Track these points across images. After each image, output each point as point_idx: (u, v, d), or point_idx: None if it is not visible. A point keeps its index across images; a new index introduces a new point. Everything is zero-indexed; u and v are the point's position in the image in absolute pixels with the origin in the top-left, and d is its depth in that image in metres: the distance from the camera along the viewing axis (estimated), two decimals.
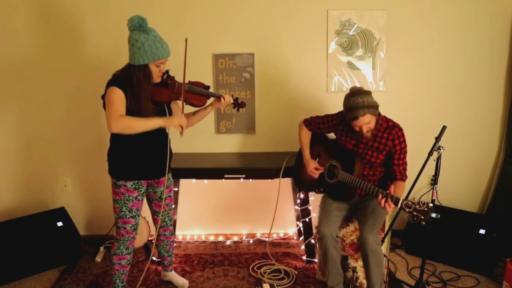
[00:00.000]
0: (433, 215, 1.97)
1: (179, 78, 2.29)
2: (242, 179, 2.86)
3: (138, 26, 2.06)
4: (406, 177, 2.39)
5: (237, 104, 2.52)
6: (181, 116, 2.23)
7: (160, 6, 3.04)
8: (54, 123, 3.20)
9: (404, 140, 2.37)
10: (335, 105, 2.97)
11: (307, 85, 3.20)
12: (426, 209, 1.98)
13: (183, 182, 3.09)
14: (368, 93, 2.27)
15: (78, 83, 3.13)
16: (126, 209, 2.26)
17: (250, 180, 3.00)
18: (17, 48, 3.06)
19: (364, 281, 2.51)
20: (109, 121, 2.05)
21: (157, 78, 2.20)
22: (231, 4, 3.07)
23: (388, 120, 2.40)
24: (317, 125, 2.61)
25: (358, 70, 3.19)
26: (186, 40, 2.18)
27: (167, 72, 2.25)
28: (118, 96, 2.08)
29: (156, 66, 2.15)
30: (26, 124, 3.19)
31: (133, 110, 2.11)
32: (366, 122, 2.25)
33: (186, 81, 2.29)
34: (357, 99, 2.22)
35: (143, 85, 2.12)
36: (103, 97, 2.16)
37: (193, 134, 3.05)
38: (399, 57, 3.17)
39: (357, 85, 3.18)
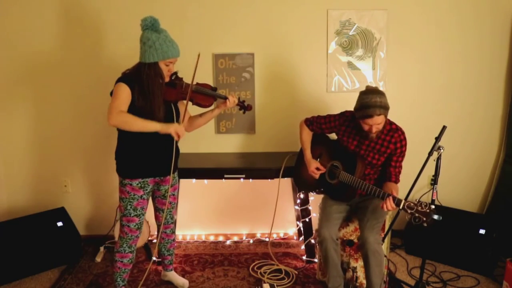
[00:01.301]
0: (435, 217, 1.96)
1: (187, 80, 2.33)
2: (242, 179, 2.86)
3: (150, 25, 2.12)
4: (399, 180, 2.40)
5: (243, 107, 2.55)
6: (179, 124, 2.25)
7: (160, 6, 3.04)
8: (54, 124, 3.20)
9: (406, 145, 2.37)
10: (335, 105, 2.98)
11: (307, 85, 3.20)
12: (428, 210, 1.97)
13: (183, 182, 3.08)
14: (384, 94, 2.26)
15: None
16: (131, 207, 2.27)
17: (250, 180, 3.00)
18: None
19: (364, 281, 2.51)
20: (109, 113, 2.08)
21: (166, 78, 2.24)
22: (231, 4, 3.07)
23: (391, 123, 2.40)
24: (318, 125, 2.61)
25: (358, 70, 3.19)
26: (199, 55, 2.22)
27: (175, 73, 2.30)
28: (124, 92, 2.11)
29: (166, 65, 2.19)
30: (26, 125, 3.19)
31: (140, 107, 2.14)
32: (378, 122, 2.25)
33: (194, 83, 2.32)
34: (375, 98, 2.20)
35: (155, 82, 2.16)
36: (111, 93, 2.19)
37: (193, 134, 3.04)
38: (399, 57, 3.17)
39: (357, 85, 3.18)
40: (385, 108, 2.23)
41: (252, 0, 3.07)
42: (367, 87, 2.34)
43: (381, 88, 3.19)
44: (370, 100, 2.21)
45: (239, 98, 2.51)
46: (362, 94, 2.29)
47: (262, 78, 3.18)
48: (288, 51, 3.15)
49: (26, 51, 3.07)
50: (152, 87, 2.15)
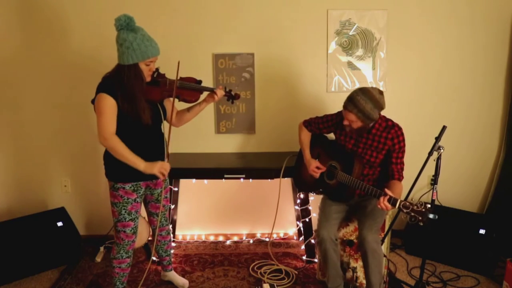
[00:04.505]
0: (431, 216, 1.97)
1: (168, 76, 2.27)
2: (242, 179, 2.86)
3: (125, 25, 2.03)
4: (403, 177, 2.40)
5: (231, 96, 2.47)
6: (163, 163, 2.18)
7: (159, 6, 3.04)
8: (53, 123, 3.20)
9: (403, 140, 2.37)
10: (335, 105, 2.98)
11: (307, 85, 3.20)
12: (423, 210, 1.98)
13: (183, 182, 3.09)
14: (376, 104, 2.24)
15: (74, 81, 3.13)
16: (125, 212, 2.24)
17: (250, 180, 3.00)
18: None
19: (364, 281, 2.51)
20: (101, 134, 2.06)
21: (147, 77, 2.16)
22: (231, 4, 3.07)
23: (387, 120, 2.40)
24: (316, 125, 2.62)
25: (358, 70, 3.19)
26: (179, 63, 2.16)
27: (157, 70, 2.21)
28: (109, 105, 2.05)
29: (146, 65, 2.11)
30: (25, 124, 3.19)
31: (126, 112, 2.09)
32: (349, 118, 2.29)
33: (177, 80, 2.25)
34: (361, 97, 2.23)
35: (135, 84, 2.08)
36: (93, 101, 2.14)
37: (193, 134, 3.05)
38: (399, 57, 3.17)
39: (357, 85, 3.18)
40: (361, 112, 2.23)
41: (252, 0, 3.07)
42: (378, 89, 2.31)
43: (381, 88, 3.19)
44: (355, 96, 2.25)
45: (225, 88, 2.43)
46: (362, 87, 2.30)
47: (262, 78, 3.18)
48: (288, 51, 3.15)
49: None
50: (134, 89, 2.08)
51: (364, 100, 2.22)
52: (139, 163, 2.12)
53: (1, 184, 3.25)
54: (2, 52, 3.06)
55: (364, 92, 2.25)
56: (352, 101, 2.25)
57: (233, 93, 2.48)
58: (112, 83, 2.09)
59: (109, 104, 2.05)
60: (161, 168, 2.16)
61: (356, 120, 2.27)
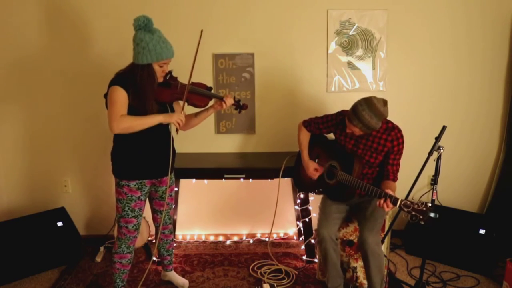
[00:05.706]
0: (432, 214, 1.98)
1: (181, 80, 2.30)
2: (242, 179, 2.86)
3: (143, 26, 2.08)
4: (397, 178, 2.40)
5: (239, 106, 2.51)
6: (180, 113, 2.24)
7: (159, 7, 3.04)
8: (54, 123, 3.20)
9: (403, 142, 2.37)
10: (335, 105, 2.98)
11: (307, 85, 3.20)
12: (424, 208, 1.99)
13: (183, 182, 3.09)
14: (380, 117, 2.22)
15: (80, 83, 3.14)
16: (129, 208, 2.26)
17: (250, 180, 3.00)
18: (22, 48, 3.07)
19: (364, 281, 2.51)
20: (111, 121, 2.07)
21: (159, 78, 2.21)
22: (231, 4, 3.07)
23: (387, 122, 2.40)
24: (316, 125, 2.61)
25: (358, 70, 3.19)
26: (202, 31, 2.18)
27: (170, 72, 2.26)
28: (120, 96, 2.09)
29: (160, 66, 2.16)
30: (26, 124, 3.19)
31: (136, 108, 2.12)
32: (353, 130, 2.31)
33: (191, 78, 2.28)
34: (366, 112, 2.20)
35: (147, 84, 2.13)
36: (105, 95, 2.17)
37: (193, 134, 3.05)
38: (399, 57, 3.17)
39: (357, 85, 3.18)
40: (366, 126, 2.23)
41: (253, 0, 3.07)
42: (383, 100, 2.27)
43: (380, 88, 3.19)
44: (360, 111, 2.21)
45: (234, 98, 2.47)
46: (367, 100, 2.24)
47: (262, 78, 3.18)
48: (288, 51, 3.15)
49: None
50: (145, 88, 2.12)
51: (369, 115, 2.20)
52: (158, 117, 2.15)
53: (1, 184, 3.25)
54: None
55: (369, 106, 2.21)
56: (357, 115, 2.22)
57: (241, 103, 2.51)
58: (125, 79, 2.13)
59: (121, 96, 2.09)
60: (178, 117, 2.20)
61: (360, 131, 2.29)
